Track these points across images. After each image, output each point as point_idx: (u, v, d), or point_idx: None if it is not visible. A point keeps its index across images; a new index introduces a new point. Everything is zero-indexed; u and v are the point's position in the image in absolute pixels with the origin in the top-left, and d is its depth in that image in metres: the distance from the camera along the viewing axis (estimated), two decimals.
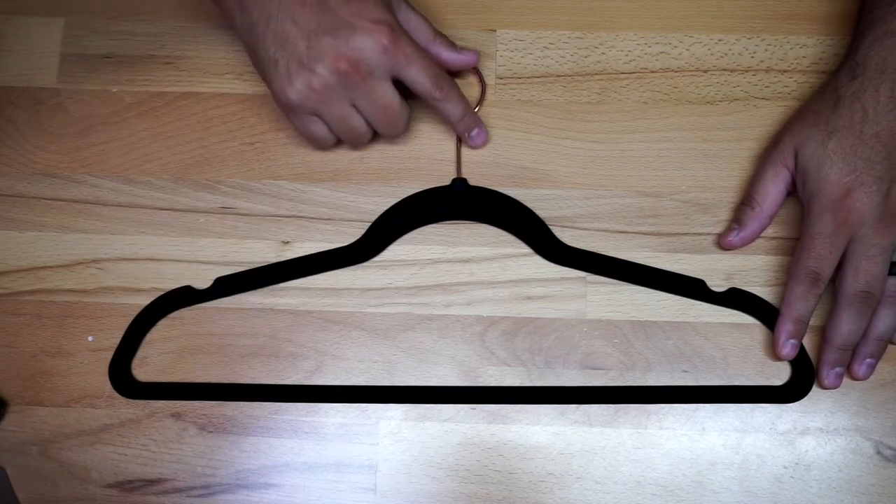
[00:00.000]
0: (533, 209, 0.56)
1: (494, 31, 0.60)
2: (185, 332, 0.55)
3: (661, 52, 0.59)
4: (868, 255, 0.50)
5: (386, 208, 0.56)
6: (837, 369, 0.52)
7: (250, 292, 0.55)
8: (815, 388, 0.53)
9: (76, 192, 0.57)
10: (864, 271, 0.50)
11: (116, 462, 0.53)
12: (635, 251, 0.56)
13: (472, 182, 0.57)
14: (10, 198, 0.57)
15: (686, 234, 0.56)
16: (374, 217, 0.56)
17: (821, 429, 0.53)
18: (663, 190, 0.57)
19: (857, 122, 0.51)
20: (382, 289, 0.56)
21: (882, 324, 0.52)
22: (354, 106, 0.52)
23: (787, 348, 0.52)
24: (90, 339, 0.55)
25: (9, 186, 0.57)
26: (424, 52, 0.52)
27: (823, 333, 0.53)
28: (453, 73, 0.56)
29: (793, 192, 0.55)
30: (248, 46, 0.52)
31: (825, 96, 0.53)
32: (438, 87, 0.52)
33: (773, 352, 0.53)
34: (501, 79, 0.59)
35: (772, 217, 0.55)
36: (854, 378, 0.53)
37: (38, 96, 0.59)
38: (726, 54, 0.59)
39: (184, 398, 0.54)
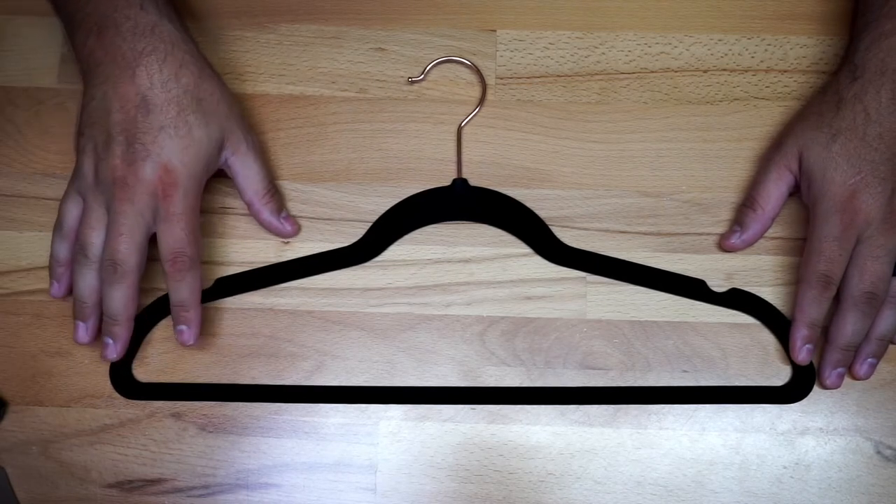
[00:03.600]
0: (533, 209, 0.56)
1: (494, 31, 0.60)
2: None
3: (661, 52, 0.59)
4: (874, 256, 0.50)
5: (386, 208, 0.56)
6: (839, 369, 0.52)
7: (250, 292, 0.55)
8: (815, 389, 0.53)
9: None
10: (870, 272, 0.50)
11: (116, 462, 0.53)
12: (635, 251, 0.56)
13: (473, 182, 0.57)
14: (10, 198, 0.57)
15: (686, 234, 0.56)
16: (374, 217, 0.56)
17: (821, 429, 0.53)
18: (663, 190, 0.57)
19: (860, 124, 0.51)
20: (382, 289, 0.56)
21: (885, 324, 0.52)
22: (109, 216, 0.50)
23: (804, 353, 0.52)
24: None
25: (9, 186, 0.57)
26: (188, 220, 0.50)
27: (826, 333, 0.53)
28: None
29: (794, 193, 0.55)
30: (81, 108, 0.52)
31: (827, 98, 0.53)
32: (173, 263, 0.50)
33: (790, 357, 0.53)
34: (501, 79, 0.59)
35: (773, 219, 0.55)
36: (855, 378, 0.53)
37: (38, 96, 0.59)
38: (726, 54, 0.59)
39: (184, 398, 0.54)
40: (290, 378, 0.55)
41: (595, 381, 0.54)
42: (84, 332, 0.52)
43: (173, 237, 0.50)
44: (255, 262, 0.56)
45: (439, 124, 0.58)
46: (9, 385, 0.55)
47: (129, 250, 0.49)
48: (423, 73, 0.58)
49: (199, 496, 0.53)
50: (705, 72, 0.59)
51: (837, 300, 0.52)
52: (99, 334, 0.52)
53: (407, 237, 0.56)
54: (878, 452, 0.53)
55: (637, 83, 0.59)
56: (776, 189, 0.54)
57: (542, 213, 0.56)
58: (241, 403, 0.54)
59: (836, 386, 0.53)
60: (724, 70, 0.59)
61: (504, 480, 0.53)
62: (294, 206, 0.57)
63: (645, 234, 0.56)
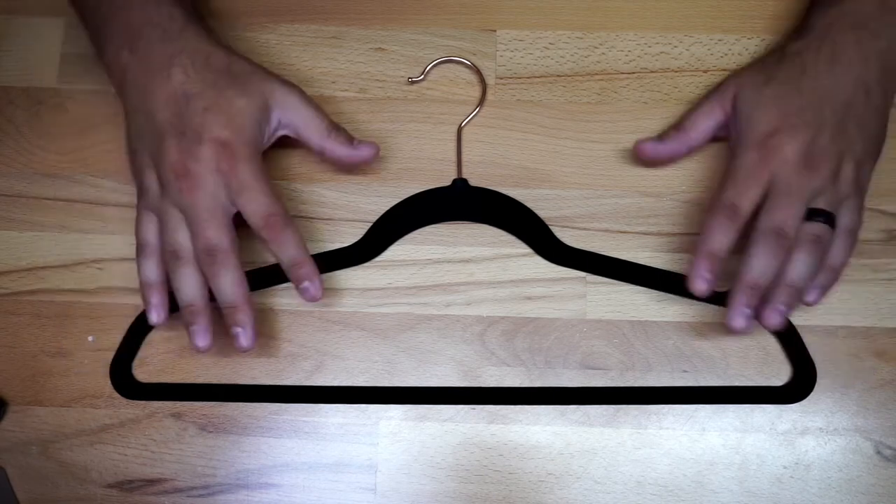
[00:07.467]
0: (533, 209, 0.56)
1: (494, 31, 0.60)
2: (185, 333, 0.55)
3: (661, 52, 0.59)
4: (785, 194, 0.49)
5: (386, 208, 0.56)
6: (746, 310, 0.49)
7: (250, 292, 0.55)
8: (815, 389, 0.53)
9: (76, 192, 0.57)
10: (780, 209, 0.49)
11: (116, 462, 0.53)
12: (635, 251, 0.56)
13: (473, 182, 0.57)
14: (10, 198, 0.57)
15: (686, 234, 0.56)
16: (374, 217, 0.56)
17: (821, 429, 0.53)
18: (663, 190, 0.57)
19: (795, 75, 0.52)
20: (382, 289, 0.56)
21: (794, 268, 0.49)
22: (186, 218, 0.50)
23: (699, 282, 0.49)
24: (90, 339, 0.55)
25: (9, 186, 0.57)
26: (262, 183, 0.49)
27: (738, 275, 0.49)
28: (356, 168, 0.56)
29: (722, 138, 0.55)
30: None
31: (771, 52, 0.56)
32: (268, 227, 0.49)
33: (687, 286, 0.50)
34: (501, 79, 0.59)
35: (692, 149, 0.55)
36: (765, 325, 0.50)
37: (38, 96, 0.59)
38: (726, 54, 0.59)
39: (184, 398, 0.54)
40: (290, 378, 0.55)
41: (595, 381, 0.54)
42: (202, 337, 0.50)
43: (257, 203, 0.49)
44: (256, 263, 0.56)
45: (439, 124, 0.58)
46: (9, 385, 0.55)
47: (218, 233, 0.49)
48: (423, 73, 0.58)
49: (199, 496, 0.53)
50: (705, 72, 0.59)
51: (748, 241, 0.50)
52: (214, 336, 0.50)
53: (407, 237, 0.56)
54: (878, 452, 0.53)
55: (637, 83, 0.59)
56: (705, 120, 0.55)
57: (542, 213, 0.56)
58: (241, 403, 0.54)
59: (743, 328, 0.49)
60: (724, 70, 0.59)
61: (504, 480, 0.53)
62: (294, 206, 0.57)
63: (645, 234, 0.56)
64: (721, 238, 0.50)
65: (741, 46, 0.59)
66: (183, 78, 0.50)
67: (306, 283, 0.50)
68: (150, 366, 0.55)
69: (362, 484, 0.53)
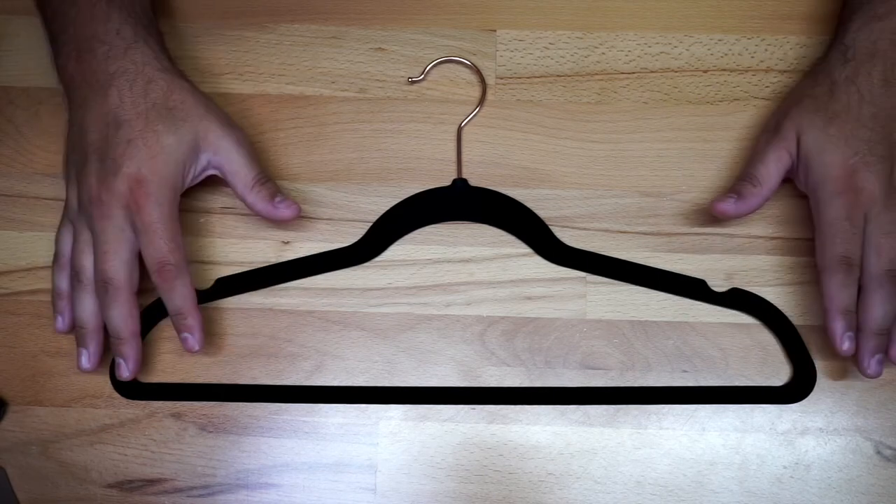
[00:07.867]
0: (533, 209, 0.56)
1: (494, 31, 0.60)
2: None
3: (661, 52, 0.59)
4: (886, 233, 0.49)
5: (386, 208, 0.56)
6: (878, 356, 0.50)
7: (250, 292, 0.55)
8: (815, 389, 0.53)
9: None
10: (886, 249, 0.49)
11: (116, 462, 0.53)
12: (635, 251, 0.56)
13: (473, 182, 0.57)
14: (10, 198, 0.57)
15: (686, 234, 0.56)
16: (374, 217, 0.56)
17: (821, 429, 0.53)
18: (663, 190, 0.57)
19: (854, 106, 0.51)
20: (382, 289, 0.56)
21: None
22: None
23: (847, 343, 0.50)
24: None
25: (9, 186, 0.57)
26: (165, 229, 0.49)
27: (857, 321, 0.50)
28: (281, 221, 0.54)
29: (787, 180, 0.54)
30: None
31: (819, 81, 0.53)
32: (160, 273, 0.49)
33: (834, 349, 0.50)
34: (501, 79, 0.59)
35: (767, 200, 0.54)
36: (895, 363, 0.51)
37: (38, 96, 0.59)
38: (726, 54, 0.59)
39: (184, 398, 0.54)
40: (290, 378, 0.55)
41: (595, 381, 0.54)
42: (86, 359, 0.52)
43: (154, 248, 0.49)
44: (255, 262, 0.56)
45: (439, 124, 0.58)
46: (9, 385, 0.55)
47: (115, 267, 0.49)
48: (423, 73, 0.58)
49: (199, 496, 0.53)
50: (705, 72, 0.59)
51: (860, 287, 0.50)
52: (103, 360, 0.52)
53: (407, 237, 0.56)
54: (878, 452, 0.53)
55: (637, 83, 0.59)
56: (776, 170, 0.53)
57: (542, 213, 0.56)
58: (241, 403, 0.54)
59: (879, 374, 0.50)
60: (724, 70, 0.59)
61: (504, 480, 0.53)
62: None
63: (645, 234, 0.56)
64: (847, 293, 0.50)
65: (741, 46, 0.59)
66: (117, 102, 0.50)
67: (186, 335, 0.51)
68: (150, 366, 0.55)
69: (362, 484, 0.53)
